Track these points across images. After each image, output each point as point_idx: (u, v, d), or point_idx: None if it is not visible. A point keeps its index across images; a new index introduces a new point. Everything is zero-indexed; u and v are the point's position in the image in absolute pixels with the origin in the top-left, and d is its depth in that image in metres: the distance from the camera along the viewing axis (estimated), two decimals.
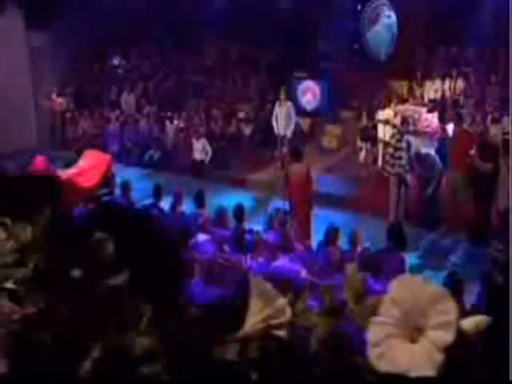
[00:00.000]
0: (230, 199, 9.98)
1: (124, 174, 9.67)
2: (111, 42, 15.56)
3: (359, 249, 6.94)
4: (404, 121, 10.14)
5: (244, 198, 10.64)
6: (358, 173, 11.80)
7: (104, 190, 8.96)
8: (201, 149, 12.47)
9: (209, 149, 12.58)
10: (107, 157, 10.91)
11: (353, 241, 6.95)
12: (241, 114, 13.63)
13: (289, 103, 11.44)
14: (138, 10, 14.89)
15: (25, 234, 1.09)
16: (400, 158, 9.07)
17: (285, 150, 11.15)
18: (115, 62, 16.44)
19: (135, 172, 12.05)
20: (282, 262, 6.60)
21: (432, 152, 9.20)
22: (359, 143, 12.61)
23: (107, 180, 9.73)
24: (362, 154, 12.27)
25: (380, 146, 11.70)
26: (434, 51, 13.37)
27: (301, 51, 13.81)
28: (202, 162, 12.48)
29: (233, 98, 14.54)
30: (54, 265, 1.04)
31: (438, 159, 9.12)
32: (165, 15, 14.71)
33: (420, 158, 9.13)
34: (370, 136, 11.94)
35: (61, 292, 1.01)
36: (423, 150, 9.30)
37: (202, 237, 6.91)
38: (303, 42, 13.83)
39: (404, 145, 9.07)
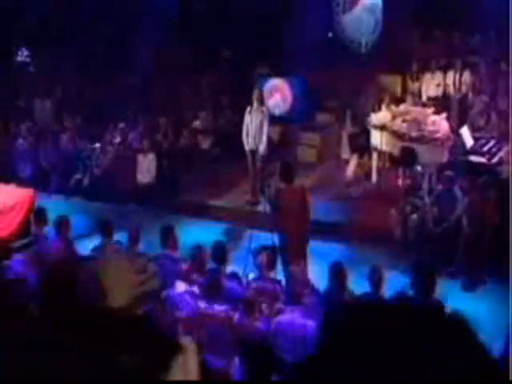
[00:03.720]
0: (190, 233, 9.59)
1: (43, 205, 9.07)
2: (17, 31, 14.99)
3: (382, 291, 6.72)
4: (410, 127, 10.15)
5: (208, 231, 10.29)
6: (346, 192, 11.65)
7: (25, 240, 8.33)
8: (146, 169, 12.24)
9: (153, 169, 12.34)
10: (29, 192, 10.15)
11: (376, 281, 6.72)
12: (196, 123, 13.33)
13: (263, 109, 11.29)
14: None
15: None
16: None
17: (265, 168, 11.03)
18: (22, 57, 15.87)
19: (57, 202, 11.61)
20: (289, 316, 6.30)
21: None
22: (345, 154, 12.46)
23: (28, 224, 9.08)
24: (351, 168, 12.10)
25: (374, 157, 11.59)
26: (432, 37, 13.49)
27: (265, 43, 13.63)
28: (148, 185, 12.23)
29: (183, 103, 14.22)
30: None
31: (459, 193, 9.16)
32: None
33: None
34: (362, 145, 11.82)
35: None
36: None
37: (180, 286, 6.52)
38: (267, 31, 13.65)
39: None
